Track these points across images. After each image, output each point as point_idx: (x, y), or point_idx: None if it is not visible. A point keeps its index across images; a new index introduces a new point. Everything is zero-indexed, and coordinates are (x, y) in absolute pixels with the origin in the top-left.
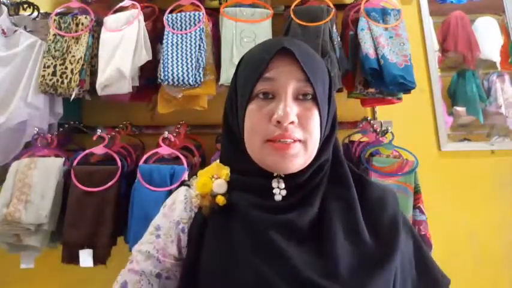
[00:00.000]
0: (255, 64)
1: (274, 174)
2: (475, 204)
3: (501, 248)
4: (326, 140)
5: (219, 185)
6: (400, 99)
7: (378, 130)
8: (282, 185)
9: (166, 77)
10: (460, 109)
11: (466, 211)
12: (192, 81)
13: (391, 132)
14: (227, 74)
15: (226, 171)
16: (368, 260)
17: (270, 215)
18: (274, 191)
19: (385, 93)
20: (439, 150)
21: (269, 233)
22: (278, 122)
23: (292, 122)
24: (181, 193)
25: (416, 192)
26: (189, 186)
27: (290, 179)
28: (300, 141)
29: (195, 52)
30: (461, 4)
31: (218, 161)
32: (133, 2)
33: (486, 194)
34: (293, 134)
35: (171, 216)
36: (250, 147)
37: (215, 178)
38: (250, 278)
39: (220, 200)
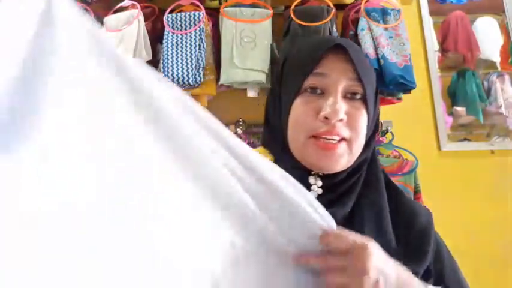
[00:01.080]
0: (306, 59)
1: (313, 172)
2: (475, 204)
3: (501, 247)
4: (368, 142)
5: None
6: (400, 99)
7: (378, 130)
8: (320, 183)
9: (167, 77)
10: (460, 109)
11: (466, 211)
12: (192, 81)
13: (391, 132)
14: (227, 74)
15: (269, 157)
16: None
17: None
18: (311, 187)
19: (385, 93)
20: (439, 150)
21: None
22: (326, 118)
23: (340, 120)
24: None
25: (416, 192)
26: None
27: (328, 177)
28: (345, 140)
29: (195, 52)
30: (461, 4)
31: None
32: (133, 2)
33: (486, 194)
34: (340, 132)
35: None
36: (293, 142)
37: None
38: None
39: None
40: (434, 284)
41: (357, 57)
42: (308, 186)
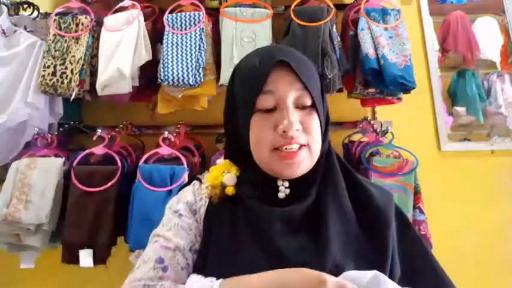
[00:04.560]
0: (253, 78)
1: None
2: (475, 204)
3: (501, 247)
4: (323, 138)
5: (229, 178)
6: (400, 99)
7: (378, 130)
8: (287, 184)
9: (167, 77)
10: (460, 109)
11: (466, 211)
12: (192, 81)
13: (391, 132)
14: (227, 74)
15: (234, 169)
16: (353, 241)
17: (271, 207)
18: (279, 188)
19: (385, 93)
20: (439, 150)
21: (267, 223)
22: (284, 131)
23: (297, 130)
24: (189, 186)
25: (416, 192)
26: (200, 180)
27: (294, 179)
28: (304, 146)
29: (195, 52)
30: (461, 4)
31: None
32: (134, 2)
33: (486, 194)
34: (298, 140)
35: (184, 200)
36: (258, 157)
37: (226, 173)
38: (247, 262)
39: (230, 190)
40: (402, 270)
41: (300, 67)
42: (276, 188)
